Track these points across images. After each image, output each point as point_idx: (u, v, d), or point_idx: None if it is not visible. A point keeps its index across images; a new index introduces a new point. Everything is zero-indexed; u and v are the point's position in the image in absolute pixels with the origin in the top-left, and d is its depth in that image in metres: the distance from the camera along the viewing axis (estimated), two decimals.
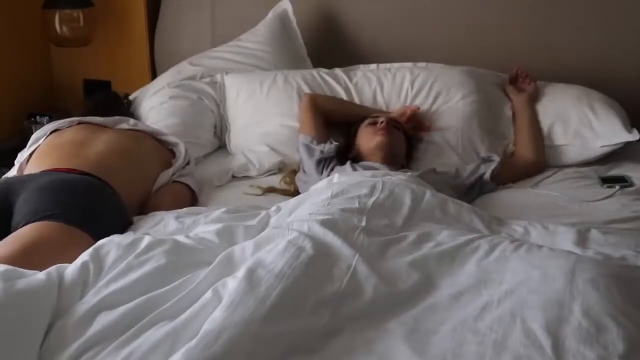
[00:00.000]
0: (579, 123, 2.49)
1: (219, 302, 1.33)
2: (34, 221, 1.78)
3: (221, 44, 3.02)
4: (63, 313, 1.37)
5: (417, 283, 1.46)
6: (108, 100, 2.71)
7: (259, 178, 2.47)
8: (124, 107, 2.71)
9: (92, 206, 1.90)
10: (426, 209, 1.84)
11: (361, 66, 2.77)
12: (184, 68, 2.90)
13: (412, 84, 2.60)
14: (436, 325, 1.34)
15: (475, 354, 1.24)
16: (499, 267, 1.49)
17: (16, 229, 1.79)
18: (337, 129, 2.53)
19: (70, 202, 1.85)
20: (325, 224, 1.61)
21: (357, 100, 2.62)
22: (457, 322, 1.33)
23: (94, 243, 1.61)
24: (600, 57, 2.85)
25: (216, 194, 2.34)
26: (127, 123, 2.39)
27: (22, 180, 2.01)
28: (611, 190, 2.22)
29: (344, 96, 2.63)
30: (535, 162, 2.45)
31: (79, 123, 2.33)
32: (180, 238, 1.67)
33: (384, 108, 2.59)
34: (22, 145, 2.33)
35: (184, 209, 2.03)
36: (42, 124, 2.83)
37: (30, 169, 2.15)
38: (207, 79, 2.82)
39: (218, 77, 2.80)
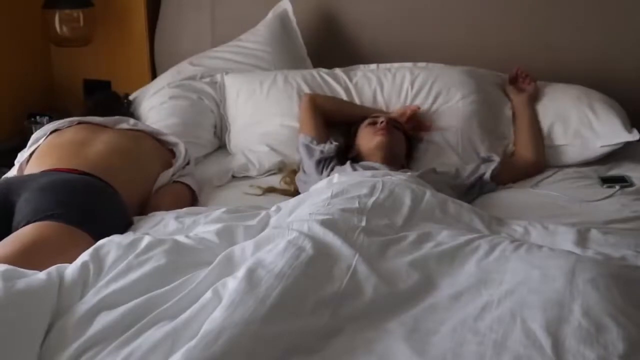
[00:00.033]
0: (579, 123, 2.49)
1: (219, 302, 1.33)
2: (34, 221, 1.78)
3: (221, 44, 3.02)
4: (63, 313, 1.37)
5: (417, 283, 1.46)
6: (108, 100, 2.71)
7: (259, 178, 2.47)
8: (124, 107, 2.71)
9: (92, 206, 1.90)
10: (426, 209, 1.84)
11: (361, 66, 2.77)
12: (184, 68, 2.90)
13: (412, 84, 2.60)
14: (436, 325, 1.34)
15: (475, 354, 1.24)
16: (499, 267, 1.49)
17: (17, 229, 1.79)
18: (337, 129, 2.53)
19: (70, 202, 1.86)
20: (325, 224, 1.61)
21: (357, 100, 2.62)
22: (457, 322, 1.33)
23: (94, 243, 1.61)
24: (600, 57, 2.85)
25: (216, 194, 2.34)
26: (127, 123, 2.39)
27: (23, 180, 2.01)
28: (611, 190, 2.22)
29: (344, 96, 2.63)
30: (535, 162, 2.45)
31: (79, 123, 2.33)
32: (180, 238, 1.67)
33: (384, 108, 2.59)
34: (22, 145, 2.33)
35: (184, 209, 2.03)
36: (42, 124, 2.83)
37: (30, 169, 2.15)
38: (207, 79, 2.82)
39: (218, 77, 2.80)
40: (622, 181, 2.29)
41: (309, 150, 2.38)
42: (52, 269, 1.47)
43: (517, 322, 1.30)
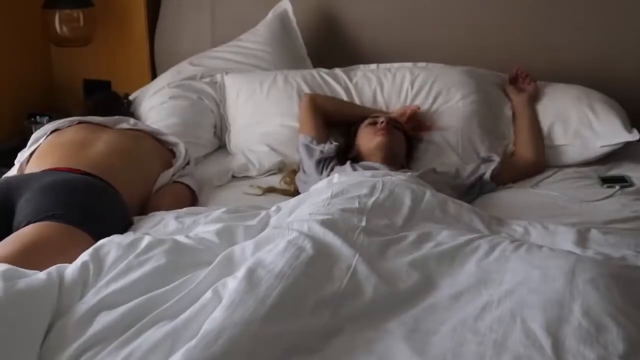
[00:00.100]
0: (579, 123, 2.49)
1: (219, 302, 1.33)
2: (35, 221, 1.78)
3: (221, 44, 3.02)
4: (63, 313, 1.37)
5: (417, 283, 1.46)
6: (108, 100, 2.71)
7: (259, 178, 2.47)
8: (124, 107, 2.71)
9: (93, 206, 1.90)
10: (426, 209, 1.84)
11: (361, 66, 2.77)
12: (184, 68, 2.90)
13: (412, 84, 2.60)
14: (436, 325, 1.34)
15: (475, 354, 1.24)
16: (499, 267, 1.49)
17: (18, 228, 1.79)
18: (337, 129, 2.53)
19: (71, 202, 1.86)
20: (325, 224, 1.61)
21: (357, 100, 2.62)
22: (457, 322, 1.33)
23: (94, 243, 1.61)
24: (600, 57, 2.85)
25: (216, 194, 2.34)
26: (127, 123, 2.40)
27: (23, 180, 2.01)
28: (611, 190, 2.22)
29: (344, 96, 2.63)
30: (535, 162, 2.45)
31: (79, 123, 2.33)
32: (180, 238, 1.67)
33: (384, 108, 2.59)
34: (22, 145, 2.33)
35: (184, 209, 2.03)
36: (42, 124, 2.83)
37: (30, 169, 2.15)
38: (207, 79, 2.82)
39: (218, 77, 2.80)
40: (622, 181, 2.29)
41: (309, 150, 2.38)
42: (52, 269, 1.47)
43: (517, 322, 1.30)
